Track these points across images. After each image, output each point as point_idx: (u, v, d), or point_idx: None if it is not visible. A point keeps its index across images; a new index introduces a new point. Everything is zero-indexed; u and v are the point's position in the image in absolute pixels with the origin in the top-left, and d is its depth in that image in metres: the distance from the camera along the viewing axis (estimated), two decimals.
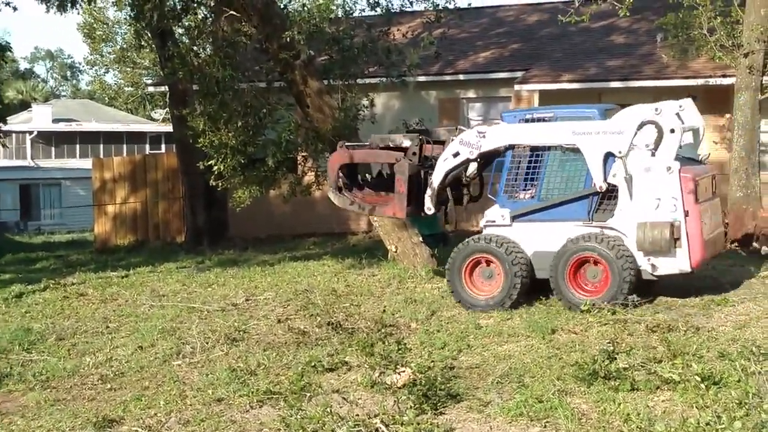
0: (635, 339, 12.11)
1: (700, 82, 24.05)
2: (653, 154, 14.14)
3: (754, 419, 8.30)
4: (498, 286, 14.95)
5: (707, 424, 7.99)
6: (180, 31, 27.29)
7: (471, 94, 28.86)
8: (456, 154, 15.65)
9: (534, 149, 15.19)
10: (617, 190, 14.42)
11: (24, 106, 75.42)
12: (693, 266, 14.15)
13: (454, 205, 16.36)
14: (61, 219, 57.51)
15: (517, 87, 26.54)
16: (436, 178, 15.79)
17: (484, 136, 15.48)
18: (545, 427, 8.92)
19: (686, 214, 13.99)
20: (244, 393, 10.68)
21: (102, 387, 11.87)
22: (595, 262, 14.32)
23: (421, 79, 26.86)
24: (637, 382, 9.93)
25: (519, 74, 27.06)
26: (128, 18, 34.13)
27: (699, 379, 9.44)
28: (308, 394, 10.39)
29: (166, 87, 30.08)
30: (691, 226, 14.01)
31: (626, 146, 14.22)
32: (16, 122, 62.89)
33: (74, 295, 18.93)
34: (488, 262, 15.15)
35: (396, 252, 19.75)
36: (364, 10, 26.94)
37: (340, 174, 17.00)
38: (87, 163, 45.57)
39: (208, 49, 20.53)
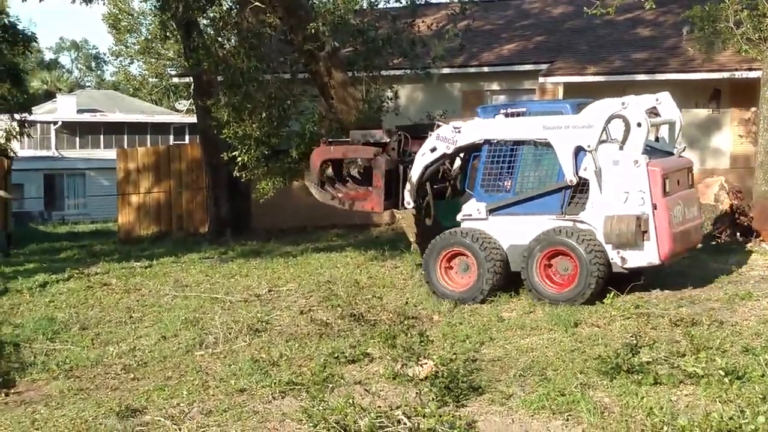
0: (658, 333, 12.07)
1: (726, 75, 23.94)
2: (621, 148, 14.29)
3: None
4: (472, 279, 15.12)
5: (730, 418, 7.95)
6: (205, 22, 27.30)
7: (495, 86, 28.79)
8: (433, 149, 15.90)
9: (508, 143, 15.35)
10: (589, 183, 14.55)
11: (49, 96, 75.70)
12: (662, 259, 14.25)
13: (435, 200, 16.43)
14: (85, 209, 57.76)
15: (541, 79, 26.45)
16: (415, 172, 16.04)
17: (459, 131, 15.73)
18: (567, 420, 8.90)
19: (654, 207, 14.13)
20: (266, 384, 10.70)
21: (125, 377, 11.93)
22: (565, 256, 14.48)
23: (446, 71, 26.81)
24: (660, 376, 9.90)
25: (543, 67, 26.96)
26: (153, 9, 34.24)
27: (722, 373, 9.40)
28: (330, 386, 10.41)
29: (191, 78, 30.13)
30: (660, 219, 14.12)
31: (595, 140, 14.39)
32: (40, 112, 63.08)
33: (98, 284, 19.01)
34: (464, 255, 15.31)
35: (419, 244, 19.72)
36: (389, 2, 26.96)
37: (323, 169, 17.25)
38: (111, 154, 45.75)
39: (233, 41, 20.55)
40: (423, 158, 16.00)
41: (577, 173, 14.54)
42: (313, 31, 18.67)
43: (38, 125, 61.56)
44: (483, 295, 14.94)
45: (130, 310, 16.33)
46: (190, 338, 13.55)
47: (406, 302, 15.10)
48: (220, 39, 20.65)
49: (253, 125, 18.98)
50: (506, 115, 15.91)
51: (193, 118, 43.92)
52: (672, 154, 15.49)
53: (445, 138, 15.79)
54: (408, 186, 16.13)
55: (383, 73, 21.35)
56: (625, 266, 14.39)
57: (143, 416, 10.01)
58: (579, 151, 14.55)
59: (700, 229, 15.70)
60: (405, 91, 26.29)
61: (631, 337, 10.82)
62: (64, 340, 14.19)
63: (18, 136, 37.09)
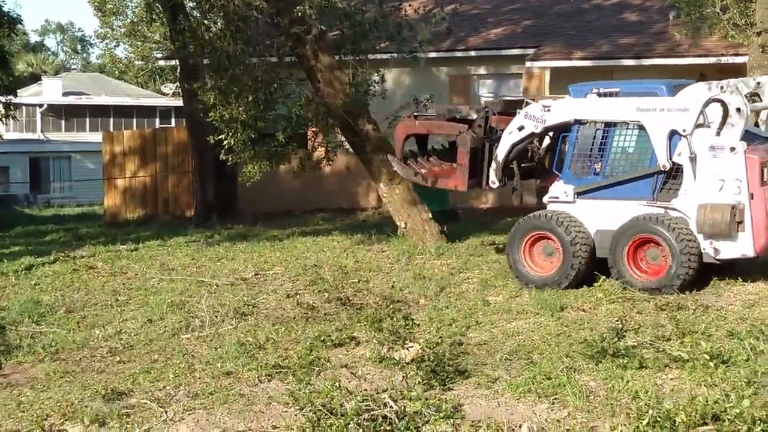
0: (644, 317, 12.12)
1: (712, 60, 23.97)
2: (718, 134, 13.65)
3: (763, 398, 8.32)
4: (557, 264, 14.58)
5: (715, 402, 7.99)
6: (191, 4, 27.23)
7: (482, 70, 28.80)
8: (521, 128, 15.27)
9: (600, 125, 14.77)
10: (682, 169, 13.94)
11: (34, 79, 75.43)
12: (757, 251, 13.57)
13: (522, 180, 15.93)
14: (70, 192, 57.67)
15: (528, 64, 26.48)
16: (501, 151, 15.47)
17: (549, 110, 15.08)
18: (553, 403, 8.93)
19: (751, 196, 13.42)
20: (252, 367, 10.70)
21: (111, 359, 11.91)
22: (655, 244, 13.84)
23: (432, 55, 26.76)
24: (646, 360, 9.94)
25: (530, 51, 27.00)
26: None
27: (707, 357, 9.46)
28: (317, 369, 10.43)
29: (177, 61, 30.03)
30: (756, 210, 13.41)
31: (691, 124, 13.68)
32: (26, 95, 62.86)
33: (84, 268, 18.96)
34: (549, 239, 14.79)
35: (405, 228, 19.76)
36: None
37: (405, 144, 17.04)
38: (97, 137, 45.67)
39: (219, 24, 20.47)
40: (510, 137, 15.37)
41: (670, 158, 13.92)
42: (299, 14, 18.61)
43: (24, 108, 61.34)
44: (568, 281, 14.32)
45: (116, 293, 16.30)
46: (176, 321, 13.53)
47: (393, 286, 15.11)
48: (206, 22, 20.54)
49: (240, 108, 18.92)
50: (598, 95, 15.08)
51: (179, 102, 43.88)
52: None
53: (534, 117, 15.14)
54: (494, 165, 15.58)
55: (370, 56, 21.29)
56: (717, 257, 13.74)
57: (129, 399, 10.00)
58: (673, 135, 13.85)
59: None
60: (392, 75, 26.27)
61: (617, 321, 10.87)
62: (50, 323, 14.15)
63: (3, 119, 36.95)
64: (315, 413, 8.47)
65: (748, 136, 13.78)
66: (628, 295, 13.29)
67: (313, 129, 20.80)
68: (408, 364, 10.13)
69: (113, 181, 32.43)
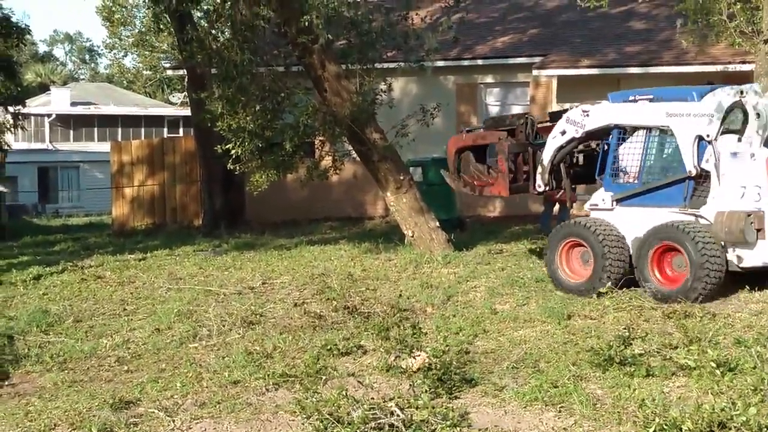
0: (651, 325, 12.11)
1: (719, 68, 23.96)
2: (739, 140, 13.61)
3: None
4: (590, 271, 14.58)
5: (722, 410, 7.98)
6: (198, 14, 27.30)
7: (489, 79, 28.82)
8: (563, 132, 15.58)
9: (636, 130, 14.77)
10: (710, 176, 13.84)
11: (43, 89, 75.53)
12: None
13: (572, 184, 16.24)
14: (79, 202, 57.74)
15: (535, 72, 26.49)
16: (546, 155, 15.79)
17: (587, 115, 15.34)
18: (560, 412, 8.93)
19: None
20: (260, 376, 10.71)
21: (119, 369, 11.93)
22: (678, 252, 13.67)
23: (439, 63, 26.82)
24: (653, 368, 9.93)
25: (537, 59, 27.02)
26: (147, 1, 34.19)
27: (714, 365, 9.44)
28: (324, 378, 10.44)
29: (185, 71, 30.11)
30: None
31: (715, 130, 13.63)
32: (34, 105, 62.97)
33: (92, 277, 19.00)
34: (583, 246, 14.81)
35: (413, 237, 19.77)
36: None
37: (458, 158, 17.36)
38: (105, 147, 45.71)
39: (226, 33, 20.51)
40: (554, 141, 15.70)
41: (699, 164, 13.79)
42: (306, 23, 18.64)
43: (32, 118, 61.51)
44: (599, 288, 14.08)
45: (124, 302, 16.33)
46: (183, 331, 13.56)
47: (400, 295, 15.11)
48: (213, 32, 20.59)
49: (247, 118, 18.94)
50: (633, 100, 15.08)
51: (187, 111, 43.97)
52: None
53: (574, 121, 15.44)
54: (539, 169, 15.91)
55: (377, 65, 21.32)
56: (741, 266, 13.59)
57: (137, 408, 10.03)
58: (700, 140, 13.77)
59: None
60: (399, 83, 26.30)
61: (624, 329, 10.84)
62: (58, 333, 14.19)
63: (12, 129, 37.09)
64: (322, 422, 8.48)
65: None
66: (635, 303, 13.28)
67: (321, 138, 20.82)
68: (415, 372, 10.14)
69: (121, 191, 32.50)
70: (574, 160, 16.51)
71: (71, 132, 65.57)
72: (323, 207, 29.19)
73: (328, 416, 8.53)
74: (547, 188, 16.10)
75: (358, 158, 21.13)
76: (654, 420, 7.97)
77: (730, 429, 7.77)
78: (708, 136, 13.68)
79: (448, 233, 19.85)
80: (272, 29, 20.46)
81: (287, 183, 25.07)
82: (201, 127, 25.42)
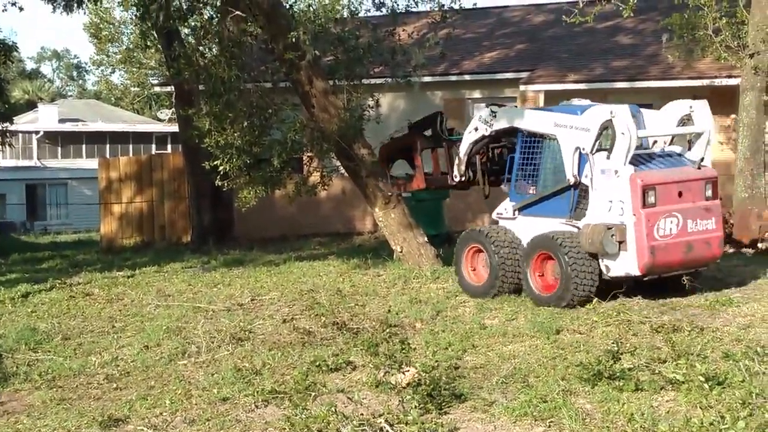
0: (640, 339, 12.13)
1: (705, 82, 24.09)
2: (608, 157, 14.32)
3: (758, 419, 8.32)
4: (486, 275, 15.77)
5: (711, 424, 8.01)
6: (186, 31, 27.31)
7: (476, 94, 28.86)
8: (476, 129, 16.63)
9: (532, 137, 15.57)
10: (588, 189, 14.67)
11: (30, 106, 75.55)
12: (641, 271, 14.18)
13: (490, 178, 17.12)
14: (67, 219, 57.70)
15: (522, 87, 26.58)
16: (462, 149, 16.93)
17: (495, 116, 16.31)
18: (549, 426, 8.94)
19: (633, 218, 14.07)
20: (249, 392, 10.70)
21: (108, 386, 11.90)
22: (554, 260, 14.70)
23: (427, 79, 26.88)
24: (642, 382, 9.95)
25: (524, 74, 27.09)
26: (134, 18, 34.23)
27: (703, 379, 9.45)
28: (313, 394, 10.42)
29: (172, 87, 30.13)
30: (638, 231, 14.05)
31: (590, 144, 14.44)
32: (22, 122, 63.00)
33: (80, 294, 18.97)
34: (483, 252, 15.93)
35: (401, 252, 19.78)
36: (369, 11, 26.96)
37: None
38: (93, 163, 45.63)
39: (214, 50, 20.53)
40: (469, 136, 16.81)
41: (579, 175, 14.63)
42: (294, 40, 18.68)
43: (20, 135, 61.47)
44: (493, 292, 15.48)
45: (113, 319, 16.31)
46: (172, 347, 13.54)
47: (389, 310, 15.10)
48: (201, 48, 20.60)
49: (235, 134, 18.95)
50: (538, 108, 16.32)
51: (175, 128, 43.97)
52: (690, 162, 15.01)
53: (485, 120, 16.44)
54: (456, 161, 17.14)
55: (364, 81, 21.37)
56: (609, 275, 14.46)
57: (126, 426, 10.01)
58: (580, 152, 14.61)
59: (718, 244, 14.93)
60: (386, 99, 26.35)
61: (613, 343, 10.86)
62: (47, 350, 14.15)
63: None
64: None
65: (645, 159, 14.61)
66: (623, 317, 13.30)
67: (309, 154, 20.84)
68: (404, 388, 10.12)
69: (109, 208, 32.42)
70: (492, 156, 17.31)
71: (59, 149, 65.52)
72: (312, 223, 29.20)
73: None
74: (463, 179, 17.11)
75: (346, 174, 21.14)
76: None
77: None
78: (584, 149, 14.53)
79: (436, 248, 19.88)
80: (259, 45, 20.50)
81: (276, 199, 25.09)
82: (189, 143, 25.45)
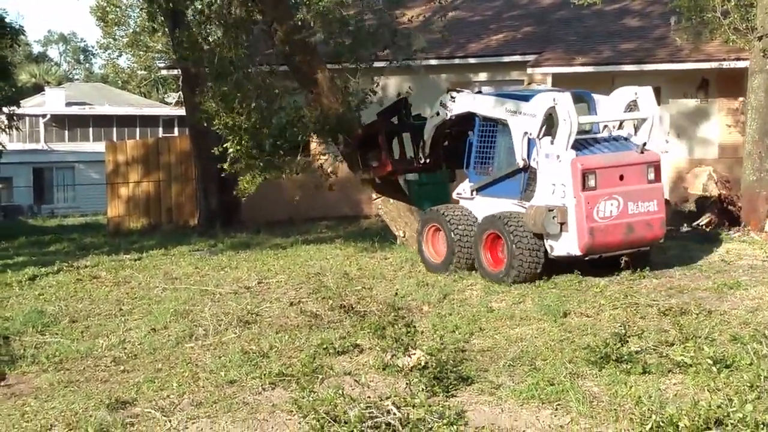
0: (647, 322, 12.12)
1: (713, 65, 23.98)
2: (552, 142, 14.91)
3: (766, 402, 8.33)
4: (445, 252, 16.66)
5: (718, 406, 7.98)
6: (191, 14, 27.23)
7: (483, 77, 28.73)
8: (438, 113, 17.49)
9: (487, 121, 16.29)
10: (536, 172, 15.31)
11: (37, 89, 75.50)
12: (581, 250, 14.82)
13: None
14: (74, 202, 57.71)
15: (529, 70, 26.45)
16: (426, 132, 17.91)
17: (454, 101, 17.12)
18: (556, 409, 8.93)
19: (574, 200, 14.70)
20: (256, 375, 10.71)
21: (115, 369, 11.93)
22: (501, 240, 15.46)
23: (433, 62, 26.81)
24: (649, 365, 9.95)
25: (531, 57, 26.95)
26: (140, 1, 34.15)
27: (711, 362, 9.46)
28: (320, 377, 10.43)
29: (179, 70, 30.06)
30: (579, 213, 14.67)
31: (536, 130, 15.13)
32: (29, 106, 62.94)
33: (87, 277, 18.98)
34: (441, 230, 16.81)
35: (404, 237, 19.71)
36: None
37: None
38: (100, 147, 45.66)
39: (218, 33, 20.42)
40: (432, 120, 17.71)
41: (528, 159, 15.31)
42: (296, 23, 18.59)
43: (27, 118, 61.47)
44: (451, 268, 16.33)
45: (120, 302, 16.32)
46: (179, 330, 13.56)
47: (396, 293, 15.12)
48: (204, 32, 20.47)
49: (241, 117, 18.82)
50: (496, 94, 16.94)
51: (182, 111, 43.92)
52: (634, 147, 15.57)
53: (445, 105, 17.23)
54: (421, 143, 18.14)
55: (368, 65, 21.25)
56: (553, 254, 15.19)
57: (133, 408, 10.02)
58: (528, 137, 15.30)
59: (659, 225, 15.50)
60: (392, 82, 26.26)
61: (620, 326, 10.85)
62: (54, 333, 14.18)
63: (6, 130, 37.03)
64: (318, 421, 8.48)
65: (590, 144, 15.28)
66: (631, 300, 13.30)
67: (314, 139, 20.73)
68: (411, 371, 10.13)
69: (117, 191, 32.43)
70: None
71: (66, 132, 65.55)
72: (319, 206, 29.09)
73: (324, 415, 8.53)
74: (429, 161, 18.19)
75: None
76: (650, 417, 7.98)
77: (727, 426, 7.77)
78: (531, 134, 15.23)
79: None
80: (262, 27, 20.36)
81: (282, 182, 25.02)
82: (196, 126, 25.43)
